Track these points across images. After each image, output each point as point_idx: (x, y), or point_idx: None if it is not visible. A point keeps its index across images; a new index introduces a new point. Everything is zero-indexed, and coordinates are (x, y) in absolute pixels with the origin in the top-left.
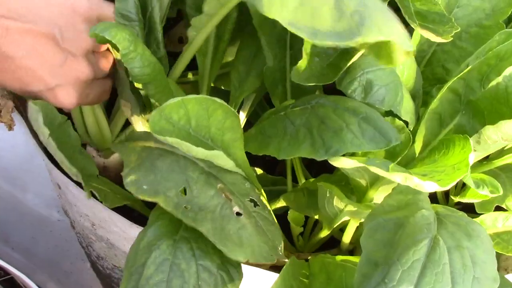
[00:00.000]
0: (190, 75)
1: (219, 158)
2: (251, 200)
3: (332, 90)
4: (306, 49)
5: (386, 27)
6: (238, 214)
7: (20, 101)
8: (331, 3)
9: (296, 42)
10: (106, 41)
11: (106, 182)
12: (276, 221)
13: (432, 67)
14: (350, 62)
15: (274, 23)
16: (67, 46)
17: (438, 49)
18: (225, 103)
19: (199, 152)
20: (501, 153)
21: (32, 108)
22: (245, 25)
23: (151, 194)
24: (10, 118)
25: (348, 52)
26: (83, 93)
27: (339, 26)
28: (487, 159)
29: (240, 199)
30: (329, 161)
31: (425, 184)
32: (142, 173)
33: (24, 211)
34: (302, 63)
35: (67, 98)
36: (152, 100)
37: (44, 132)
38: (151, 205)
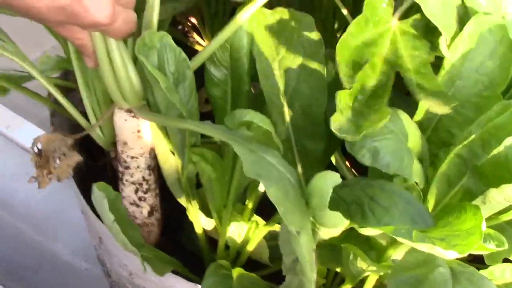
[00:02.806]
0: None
1: None
2: None
3: None
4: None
5: None
6: None
7: None
8: None
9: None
10: None
11: (152, 249)
12: None
13: (438, 132)
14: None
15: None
16: None
17: (443, 117)
18: None
19: None
20: (508, 208)
21: (97, 193)
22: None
23: None
24: (66, 171)
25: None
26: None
27: None
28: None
29: None
30: (358, 231)
31: (447, 253)
32: None
33: (53, 260)
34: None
35: (99, 7)
36: None
37: (109, 217)
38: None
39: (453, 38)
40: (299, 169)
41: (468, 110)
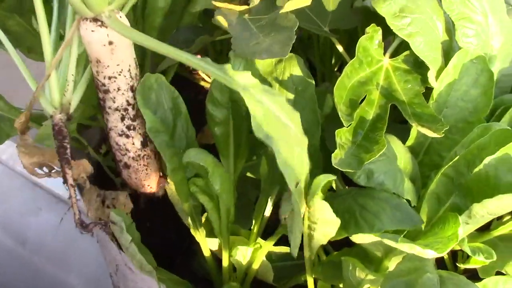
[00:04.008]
0: None
1: None
2: None
3: None
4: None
5: None
6: None
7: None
8: None
9: None
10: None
11: (164, 272)
12: None
13: (429, 155)
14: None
15: None
16: None
17: (434, 141)
18: None
19: None
20: (500, 224)
21: (115, 217)
22: None
23: None
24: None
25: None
26: None
27: None
28: (488, 229)
29: None
30: (351, 238)
31: (425, 252)
32: None
33: None
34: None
35: None
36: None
37: (127, 238)
38: None
39: (439, 71)
40: None
41: (455, 135)
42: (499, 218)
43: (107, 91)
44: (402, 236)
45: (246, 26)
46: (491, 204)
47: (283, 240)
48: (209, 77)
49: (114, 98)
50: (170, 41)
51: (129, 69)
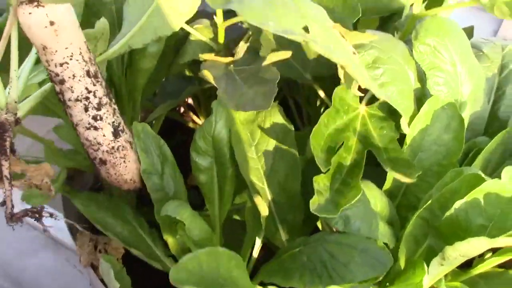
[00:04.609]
0: None
1: None
2: None
3: None
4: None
5: None
6: None
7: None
8: None
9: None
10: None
11: None
12: None
13: (407, 197)
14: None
15: None
16: None
17: (410, 184)
18: (228, 250)
19: None
20: (480, 261)
21: (104, 264)
22: None
23: None
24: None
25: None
26: None
27: None
28: (471, 267)
29: None
30: None
31: None
32: None
33: None
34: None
35: None
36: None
37: (115, 285)
38: None
39: (412, 117)
40: (283, 237)
41: (430, 178)
42: (481, 255)
43: (62, 81)
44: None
45: (231, 78)
46: (462, 247)
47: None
48: (200, 119)
49: (72, 87)
50: (159, 90)
51: (81, 53)
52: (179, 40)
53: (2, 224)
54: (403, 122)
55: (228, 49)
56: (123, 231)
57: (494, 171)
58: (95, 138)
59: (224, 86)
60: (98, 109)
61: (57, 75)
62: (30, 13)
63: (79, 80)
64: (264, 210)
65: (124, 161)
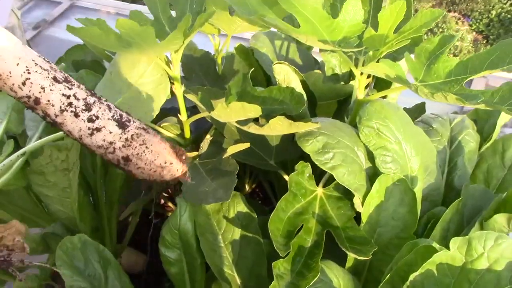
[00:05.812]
0: None
1: None
2: None
3: None
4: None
5: None
6: None
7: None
8: None
9: None
10: None
11: None
12: None
13: (372, 273)
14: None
15: None
16: None
17: (373, 259)
18: None
19: None
20: None
21: None
22: None
23: None
24: None
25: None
26: None
27: None
28: None
29: None
30: None
31: None
32: None
33: None
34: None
35: None
36: None
37: None
38: None
39: (366, 195)
40: None
41: (391, 251)
42: None
43: (37, 101)
44: None
45: (197, 171)
46: None
47: None
48: None
49: (49, 101)
50: (134, 186)
51: (36, 63)
52: None
53: None
54: (356, 201)
55: (195, 142)
56: None
57: None
58: (104, 140)
59: (189, 181)
60: (89, 109)
61: (28, 97)
62: None
63: (51, 90)
64: None
65: (146, 147)
